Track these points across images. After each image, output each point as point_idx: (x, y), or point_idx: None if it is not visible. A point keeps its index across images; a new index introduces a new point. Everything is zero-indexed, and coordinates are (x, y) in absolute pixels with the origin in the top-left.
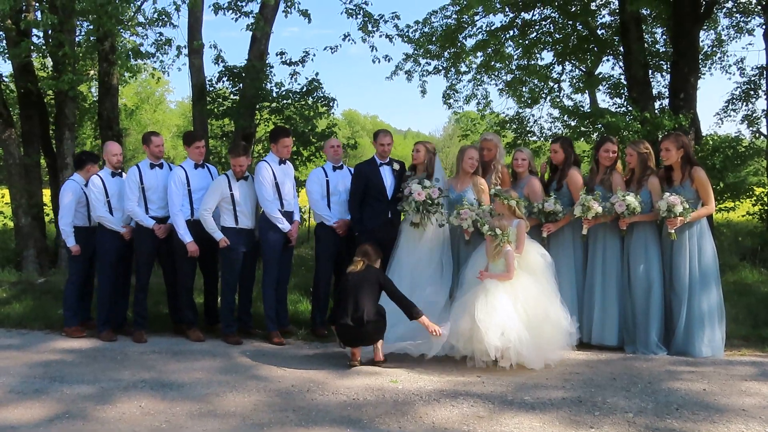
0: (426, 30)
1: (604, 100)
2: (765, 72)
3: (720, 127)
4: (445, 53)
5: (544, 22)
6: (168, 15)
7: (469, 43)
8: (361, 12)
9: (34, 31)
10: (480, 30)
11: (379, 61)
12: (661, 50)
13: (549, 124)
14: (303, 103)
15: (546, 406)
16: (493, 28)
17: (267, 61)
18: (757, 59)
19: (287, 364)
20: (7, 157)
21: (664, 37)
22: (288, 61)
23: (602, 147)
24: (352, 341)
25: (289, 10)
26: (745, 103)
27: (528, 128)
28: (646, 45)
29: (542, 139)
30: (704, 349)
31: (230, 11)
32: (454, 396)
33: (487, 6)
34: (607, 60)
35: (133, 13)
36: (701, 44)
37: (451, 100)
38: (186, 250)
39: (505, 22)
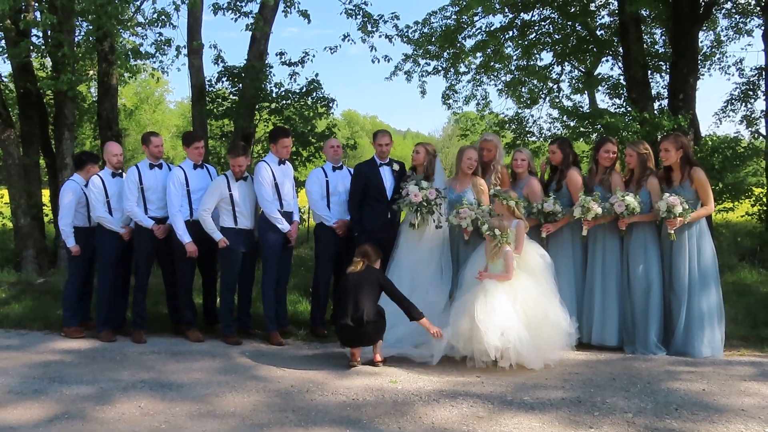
0: (425, 30)
1: (603, 100)
2: (764, 73)
3: (718, 127)
4: (445, 54)
5: (543, 23)
6: (167, 15)
7: (469, 43)
8: (361, 12)
9: (34, 31)
10: (479, 30)
11: (378, 61)
12: (660, 51)
13: (548, 124)
14: (302, 103)
15: (545, 407)
16: (492, 28)
17: (266, 62)
18: (756, 60)
19: (287, 365)
20: (7, 158)
21: (663, 37)
22: (288, 62)
23: (602, 147)
24: (351, 341)
25: (288, 10)
26: (744, 104)
27: (527, 129)
28: (645, 46)
29: (541, 139)
30: (704, 350)
31: (230, 11)
32: (454, 396)
33: (487, 7)
34: (607, 60)
35: (132, 14)
36: (700, 45)
37: (451, 101)
38: (185, 251)
39: (505, 22)
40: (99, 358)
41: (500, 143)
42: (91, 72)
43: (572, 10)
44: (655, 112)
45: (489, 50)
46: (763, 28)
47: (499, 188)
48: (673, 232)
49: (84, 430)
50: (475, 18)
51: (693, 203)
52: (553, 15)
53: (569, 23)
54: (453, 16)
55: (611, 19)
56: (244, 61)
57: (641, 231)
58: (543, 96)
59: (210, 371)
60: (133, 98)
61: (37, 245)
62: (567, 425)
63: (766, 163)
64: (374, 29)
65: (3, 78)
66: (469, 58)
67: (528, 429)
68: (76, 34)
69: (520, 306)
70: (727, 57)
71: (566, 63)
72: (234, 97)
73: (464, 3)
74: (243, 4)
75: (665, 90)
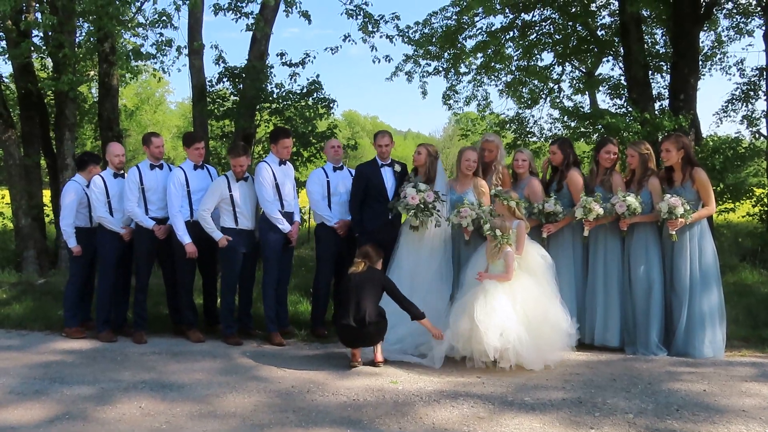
0: (426, 31)
1: (604, 101)
2: (765, 73)
3: (719, 126)
4: (445, 54)
5: (544, 23)
6: (168, 16)
7: (469, 44)
8: (362, 13)
9: (35, 31)
10: (480, 31)
11: (379, 61)
12: (661, 51)
13: (549, 125)
14: (303, 104)
15: (546, 407)
16: (493, 29)
17: (267, 62)
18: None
19: (287, 365)
20: (8, 158)
21: (664, 38)
22: (288, 62)
23: (603, 148)
24: (353, 342)
25: (289, 10)
26: (744, 104)
27: (528, 129)
28: (646, 46)
29: (542, 140)
30: (705, 350)
31: (230, 12)
32: (455, 397)
33: (487, 7)
34: (607, 61)
35: (133, 14)
36: (701, 45)
37: (451, 101)
38: (185, 251)
39: (505, 23)
40: (100, 359)
41: (501, 144)
42: (92, 73)
43: (573, 10)
44: (656, 112)
45: (490, 51)
46: (763, 28)
47: (501, 188)
48: (674, 232)
49: (85, 431)
50: (476, 18)
51: (694, 204)
52: (553, 15)
53: (570, 23)
54: (454, 17)
55: (612, 19)
56: (245, 62)
57: (642, 231)
58: (544, 96)
59: (211, 372)
60: (133, 99)
61: (37, 246)
62: (568, 426)
63: (767, 164)
64: (375, 29)
65: (4, 78)
66: (470, 58)
67: (529, 429)
68: (77, 34)
69: (520, 307)
70: (727, 57)
71: (567, 63)
72: (235, 98)
73: (465, 3)
74: (244, 4)
75: (666, 90)
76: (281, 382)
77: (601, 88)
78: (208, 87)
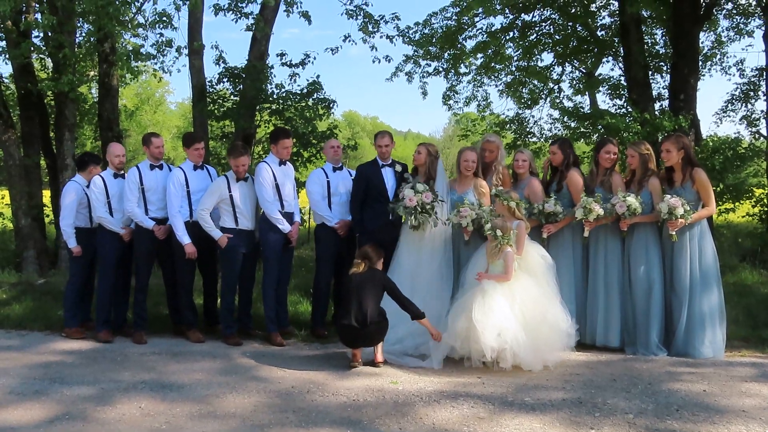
0: (426, 31)
1: (604, 101)
2: (764, 73)
3: (718, 126)
4: (446, 54)
5: (544, 24)
6: (168, 17)
7: (470, 44)
8: (362, 13)
9: (35, 32)
10: (480, 31)
11: (379, 61)
12: (661, 51)
13: (549, 125)
14: (303, 104)
15: (546, 407)
16: (493, 29)
17: (267, 62)
18: (756, 60)
19: (287, 365)
20: (7, 158)
21: (664, 38)
22: (288, 63)
23: (602, 148)
24: (354, 342)
25: (290, 10)
26: (744, 104)
27: (528, 129)
28: (646, 46)
29: (542, 140)
30: (705, 350)
31: (230, 12)
32: (455, 397)
33: (487, 8)
34: (607, 61)
35: (133, 15)
36: (701, 45)
37: (451, 102)
38: (185, 252)
39: (505, 23)
40: (100, 359)
41: (502, 144)
42: (92, 73)
43: (573, 10)
44: (656, 112)
45: (490, 51)
46: (763, 28)
47: (501, 188)
48: (674, 233)
49: (85, 431)
50: (476, 19)
51: (694, 204)
52: (553, 16)
53: (570, 24)
54: (454, 17)
55: (612, 19)
56: (245, 62)
57: (642, 232)
58: (544, 97)
59: (211, 372)
60: (133, 99)
61: (37, 246)
62: (568, 426)
63: (766, 164)
64: (375, 30)
65: (4, 79)
66: (470, 58)
67: (529, 430)
68: (77, 35)
69: (519, 307)
70: (727, 57)
71: (567, 64)
72: (235, 98)
73: (465, 4)
74: (244, 5)
75: (666, 90)
76: (281, 383)
77: (601, 89)
78: (208, 87)
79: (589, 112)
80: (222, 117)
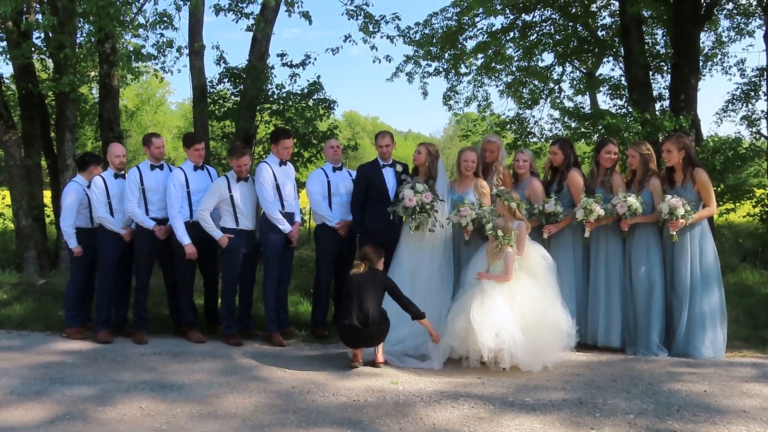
0: (427, 31)
1: (604, 101)
2: (765, 73)
3: (719, 126)
4: (446, 55)
5: (544, 24)
6: (169, 17)
7: (470, 44)
8: (362, 13)
9: (35, 32)
10: (480, 31)
11: (380, 61)
12: (661, 52)
13: (549, 125)
14: (304, 104)
15: (547, 408)
16: (493, 29)
17: (268, 63)
18: (757, 60)
19: (288, 366)
20: (8, 159)
21: (664, 38)
22: (289, 63)
23: (603, 149)
24: (355, 342)
25: (290, 10)
26: (744, 104)
27: (528, 129)
28: (646, 46)
29: (543, 140)
30: (705, 351)
31: (231, 13)
32: (455, 397)
33: (488, 8)
34: (608, 61)
35: (134, 15)
36: (702, 46)
37: (452, 102)
38: (185, 252)
39: (506, 23)
40: (100, 359)
41: (502, 144)
42: (93, 73)
43: (573, 11)
44: (657, 112)
45: (490, 51)
46: (764, 28)
47: (502, 188)
48: (675, 233)
49: (85, 431)
50: (477, 19)
51: (695, 204)
52: (554, 16)
53: (570, 24)
54: (454, 17)
55: (612, 20)
56: (246, 62)
57: (643, 232)
58: (544, 97)
59: (211, 372)
60: (134, 99)
61: (38, 246)
62: (568, 426)
63: (767, 164)
64: (375, 30)
65: (4, 79)
66: (471, 59)
67: (529, 430)
68: (78, 35)
69: (519, 308)
70: (728, 57)
71: (567, 64)
72: (235, 98)
73: (465, 4)
74: (244, 5)
75: (667, 91)
76: (282, 383)
77: (601, 89)
78: (208, 87)
79: (589, 112)
80: (222, 117)
